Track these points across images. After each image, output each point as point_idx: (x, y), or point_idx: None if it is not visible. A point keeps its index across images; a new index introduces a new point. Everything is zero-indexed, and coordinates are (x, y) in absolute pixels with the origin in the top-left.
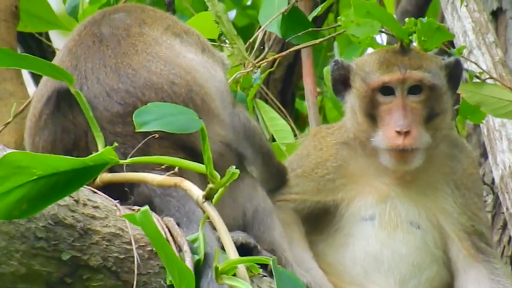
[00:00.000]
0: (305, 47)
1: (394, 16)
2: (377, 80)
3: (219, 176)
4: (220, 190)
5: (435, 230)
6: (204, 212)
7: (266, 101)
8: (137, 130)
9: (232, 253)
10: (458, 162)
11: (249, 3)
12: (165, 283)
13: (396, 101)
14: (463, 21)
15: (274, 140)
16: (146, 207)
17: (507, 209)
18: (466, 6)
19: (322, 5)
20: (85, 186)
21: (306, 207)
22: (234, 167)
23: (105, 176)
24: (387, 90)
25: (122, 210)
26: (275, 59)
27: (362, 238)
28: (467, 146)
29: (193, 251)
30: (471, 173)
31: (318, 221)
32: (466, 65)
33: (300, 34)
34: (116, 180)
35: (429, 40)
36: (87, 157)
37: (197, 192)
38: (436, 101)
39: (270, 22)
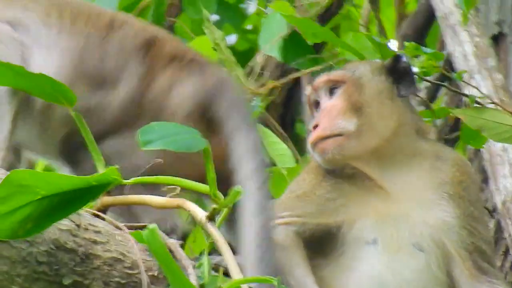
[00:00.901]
0: (305, 73)
1: (395, 40)
2: (306, 97)
3: (222, 197)
4: (224, 211)
5: (438, 250)
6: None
7: (266, 125)
8: (141, 148)
9: (237, 275)
10: (443, 172)
11: (249, 27)
12: None
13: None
14: (463, 45)
15: (275, 164)
16: (154, 225)
17: (509, 235)
18: (467, 30)
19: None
20: (86, 210)
21: (308, 230)
22: (238, 186)
23: (106, 200)
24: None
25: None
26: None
27: (366, 262)
28: (452, 154)
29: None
30: (461, 180)
31: (321, 245)
32: (467, 89)
33: (300, 60)
34: (118, 203)
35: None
36: (91, 176)
37: (200, 213)
38: (355, 93)
39: (270, 46)
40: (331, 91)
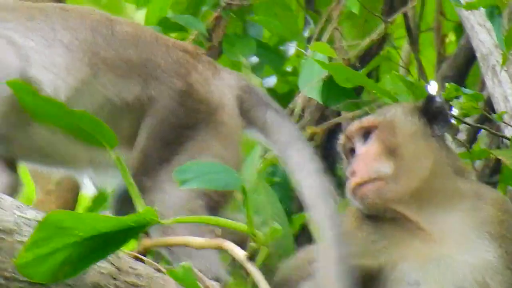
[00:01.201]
0: (346, 118)
1: (435, 81)
2: (340, 145)
3: (262, 235)
4: (263, 250)
5: None
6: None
7: None
8: (179, 187)
9: None
10: (484, 211)
11: (289, 69)
12: None
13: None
14: (503, 86)
15: None
16: (189, 262)
17: None
18: (506, 71)
19: (361, 71)
20: (127, 252)
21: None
22: (276, 224)
23: (147, 242)
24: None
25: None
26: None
27: None
28: (493, 193)
29: None
30: (502, 220)
31: (365, 286)
32: (507, 130)
33: (341, 103)
34: (159, 245)
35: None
36: (128, 217)
37: (239, 252)
38: (389, 138)
39: (309, 88)
40: (365, 136)
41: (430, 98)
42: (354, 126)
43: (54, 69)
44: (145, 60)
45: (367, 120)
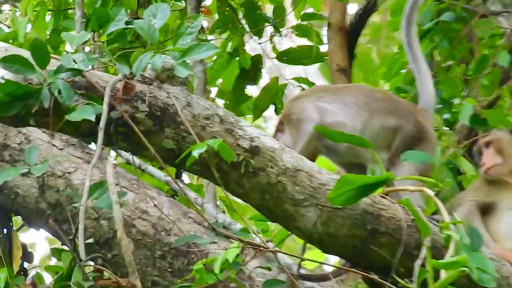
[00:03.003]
0: (481, 135)
1: None
2: (475, 150)
3: (442, 185)
4: (443, 192)
5: None
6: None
7: (464, 157)
8: (402, 162)
9: (447, 218)
10: None
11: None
12: None
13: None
14: None
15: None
16: (408, 197)
17: None
18: None
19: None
20: (378, 194)
21: (480, 203)
22: (448, 180)
23: (387, 189)
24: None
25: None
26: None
27: (507, 218)
28: None
29: None
30: None
31: (486, 211)
32: None
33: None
34: (392, 191)
35: None
36: (379, 176)
37: (430, 193)
38: (499, 145)
39: (466, 119)
40: (487, 145)
41: None
42: (481, 141)
43: (350, 118)
44: (394, 107)
45: (488, 138)
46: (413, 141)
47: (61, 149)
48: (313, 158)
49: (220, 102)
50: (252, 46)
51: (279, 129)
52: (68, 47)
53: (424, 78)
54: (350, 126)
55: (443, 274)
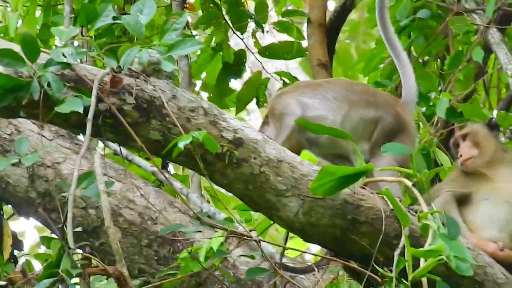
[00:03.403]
0: (456, 126)
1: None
2: (452, 142)
3: (419, 176)
4: (421, 182)
5: None
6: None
7: (439, 148)
8: (382, 153)
9: (426, 209)
10: None
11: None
12: None
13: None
14: None
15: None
16: (388, 187)
17: None
18: None
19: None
20: (358, 184)
21: (456, 194)
22: (426, 170)
23: (366, 180)
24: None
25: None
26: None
27: (483, 208)
28: None
29: None
30: None
31: (462, 201)
32: None
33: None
34: (371, 182)
35: None
36: (359, 167)
37: (408, 183)
38: (475, 138)
39: (442, 113)
40: (464, 138)
41: (490, 119)
42: (458, 133)
43: (330, 111)
44: (373, 100)
45: (464, 130)
46: (393, 132)
47: (50, 140)
48: (297, 152)
49: (205, 95)
50: (235, 41)
51: (265, 122)
52: (57, 42)
53: (406, 71)
54: (331, 119)
55: (422, 263)
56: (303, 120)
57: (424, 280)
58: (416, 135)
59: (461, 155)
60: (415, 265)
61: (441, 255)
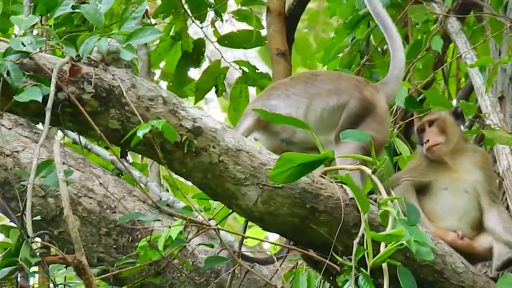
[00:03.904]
0: (416, 116)
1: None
2: (416, 128)
3: (379, 163)
4: (381, 170)
5: (474, 192)
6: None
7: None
8: (342, 140)
9: (385, 196)
10: (476, 157)
11: None
12: None
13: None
14: (486, 102)
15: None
16: (348, 173)
17: (506, 187)
18: (487, 95)
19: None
20: (316, 173)
21: (416, 183)
22: (387, 158)
23: (326, 168)
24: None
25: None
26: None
27: (443, 198)
28: (480, 148)
29: None
30: (483, 160)
31: (422, 190)
32: (487, 121)
33: (415, 108)
34: (331, 170)
35: None
36: (319, 155)
37: (368, 171)
38: (443, 125)
39: (401, 101)
40: (430, 124)
41: (456, 108)
42: (426, 119)
43: (292, 108)
44: (336, 86)
45: (432, 116)
46: (358, 118)
47: (9, 128)
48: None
49: (164, 84)
50: (194, 30)
51: None
52: (16, 30)
53: (394, 46)
54: (295, 116)
55: (382, 250)
56: (261, 110)
57: (384, 265)
58: (387, 118)
59: (427, 140)
60: (375, 255)
61: (401, 241)
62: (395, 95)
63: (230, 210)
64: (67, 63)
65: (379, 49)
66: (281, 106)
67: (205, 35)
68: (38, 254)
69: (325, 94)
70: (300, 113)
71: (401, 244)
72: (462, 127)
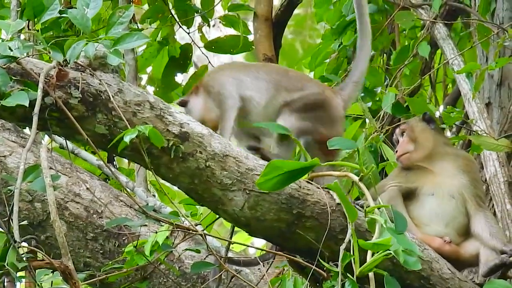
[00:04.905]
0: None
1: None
2: (394, 138)
3: (366, 170)
4: (368, 177)
5: (460, 197)
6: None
7: (386, 143)
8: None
9: (372, 204)
10: (460, 161)
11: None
12: None
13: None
14: (473, 108)
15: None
16: (336, 181)
17: (492, 193)
18: (475, 102)
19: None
20: (304, 179)
21: (402, 189)
22: (373, 165)
23: (312, 174)
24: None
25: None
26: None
27: (428, 203)
28: (464, 152)
29: None
30: (468, 164)
31: (408, 196)
32: (474, 127)
33: (401, 114)
34: (317, 176)
35: None
36: (306, 162)
37: (355, 178)
38: (411, 133)
39: (388, 107)
40: (402, 134)
41: (424, 114)
42: (397, 130)
43: (258, 92)
44: (301, 85)
45: (402, 126)
46: (311, 107)
47: None
48: (216, 126)
49: (151, 89)
50: (181, 35)
51: (194, 91)
52: (3, 35)
53: (362, 54)
54: (257, 101)
55: (369, 258)
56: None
57: (371, 274)
58: (341, 122)
59: (396, 151)
60: (361, 261)
61: (388, 249)
62: (352, 101)
63: (217, 216)
64: (54, 67)
65: None
66: (249, 86)
67: (192, 40)
68: (24, 259)
69: (291, 89)
70: (262, 99)
71: (389, 254)
72: (449, 133)
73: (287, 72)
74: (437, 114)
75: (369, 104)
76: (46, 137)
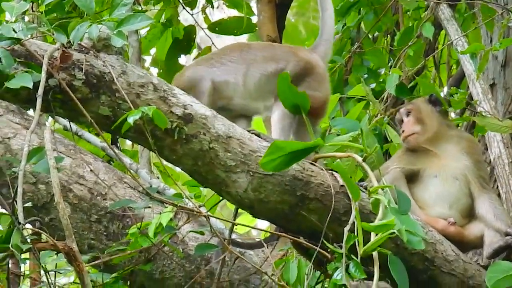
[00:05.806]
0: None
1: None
2: (397, 118)
3: (369, 151)
4: (370, 158)
5: (464, 178)
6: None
7: (389, 125)
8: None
9: (376, 184)
10: (463, 143)
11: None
12: None
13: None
14: (477, 89)
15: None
16: (338, 161)
17: (496, 174)
18: (479, 82)
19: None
20: (306, 160)
21: (405, 171)
22: (377, 145)
23: (316, 155)
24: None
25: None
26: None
27: (432, 185)
28: (467, 134)
29: None
30: (471, 146)
31: (412, 178)
32: (478, 109)
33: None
34: (322, 157)
35: None
36: (310, 142)
37: (358, 158)
38: (418, 114)
39: (392, 89)
40: (407, 114)
41: (431, 95)
42: (402, 109)
43: (230, 75)
44: (272, 53)
45: (408, 106)
46: (297, 78)
47: (0, 115)
48: None
49: (154, 71)
50: (184, 17)
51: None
52: (7, 17)
53: (325, 11)
54: (233, 82)
55: (372, 239)
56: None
57: (375, 254)
58: (327, 76)
59: (403, 131)
60: (365, 242)
61: (392, 229)
62: (328, 58)
63: (221, 197)
64: (58, 49)
65: (370, 36)
66: (219, 73)
67: (196, 22)
68: (29, 240)
69: (261, 60)
70: (239, 79)
71: (392, 233)
72: (453, 114)
73: (249, 45)
74: (442, 95)
75: (373, 85)
76: (50, 119)
